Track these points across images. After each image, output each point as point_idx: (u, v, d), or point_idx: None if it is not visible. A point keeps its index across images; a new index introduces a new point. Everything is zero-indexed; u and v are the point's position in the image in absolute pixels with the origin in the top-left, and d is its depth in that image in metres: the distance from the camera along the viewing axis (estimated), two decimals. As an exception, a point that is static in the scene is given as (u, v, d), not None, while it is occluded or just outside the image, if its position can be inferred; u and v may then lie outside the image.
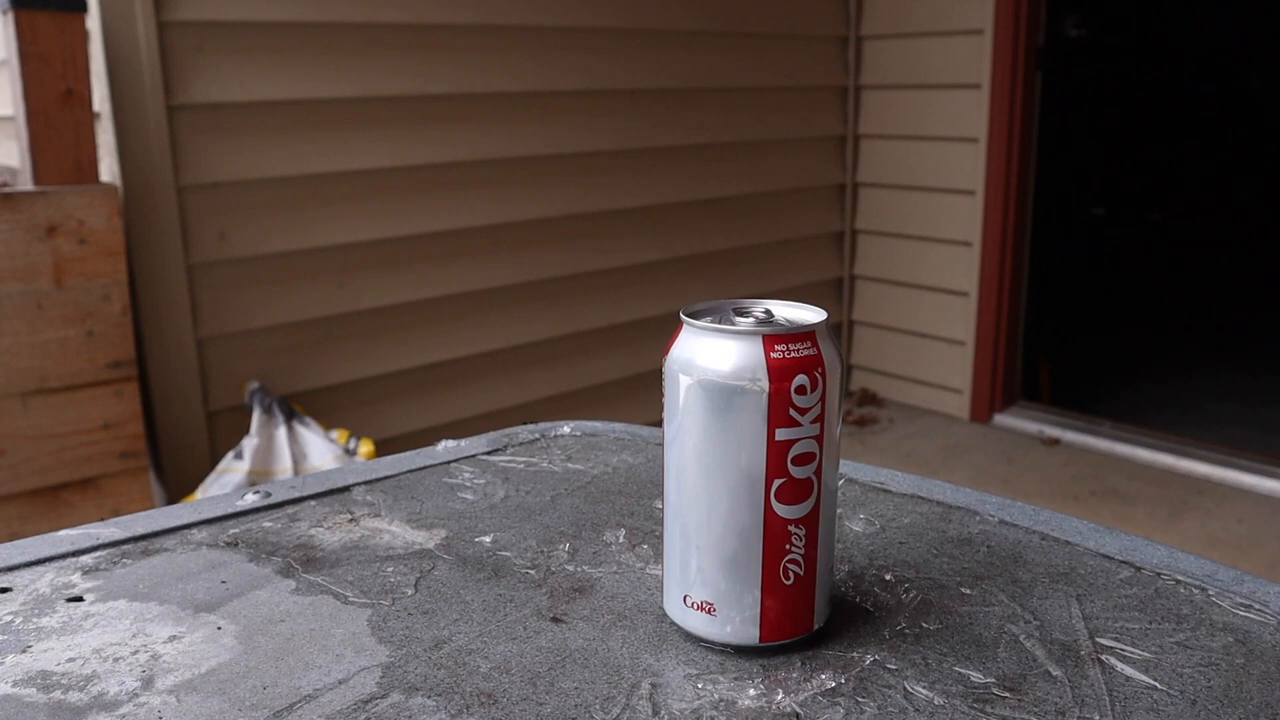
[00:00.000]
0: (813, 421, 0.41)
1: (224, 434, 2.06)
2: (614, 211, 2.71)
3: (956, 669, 0.45)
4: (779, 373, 0.40)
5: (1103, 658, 0.45)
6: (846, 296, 3.37)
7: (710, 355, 0.41)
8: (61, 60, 1.74)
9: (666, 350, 0.43)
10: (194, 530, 0.59)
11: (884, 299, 3.30)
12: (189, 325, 2.01)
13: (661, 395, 0.44)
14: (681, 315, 0.44)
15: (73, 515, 1.80)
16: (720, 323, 0.42)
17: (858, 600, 0.51)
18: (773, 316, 0.44)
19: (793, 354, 0.41)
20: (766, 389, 0.40)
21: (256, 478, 1.86)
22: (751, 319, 0.43)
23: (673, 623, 0.48)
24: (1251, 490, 2.63)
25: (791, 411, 0.41)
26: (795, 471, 0.41)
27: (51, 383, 1.76)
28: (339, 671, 0.44)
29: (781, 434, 0.41)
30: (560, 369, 2.69)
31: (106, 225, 1.77)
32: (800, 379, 0.41)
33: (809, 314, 0.44)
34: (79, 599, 0.51)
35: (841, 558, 0.56)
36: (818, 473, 0.42)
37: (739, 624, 0.45)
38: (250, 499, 0.62)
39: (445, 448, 0.72)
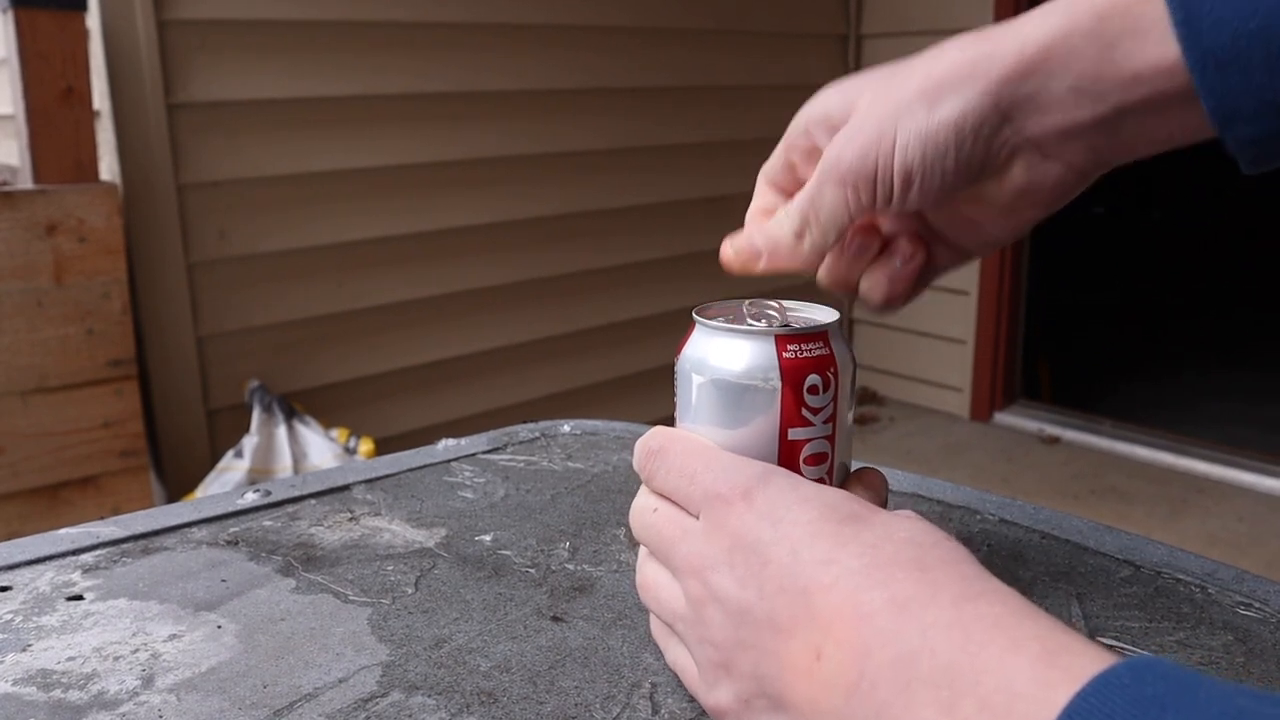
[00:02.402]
0: (825, 421, 0.41)
1: (224, 432, 2.06)
2: (615, 210, 2.70)
3: (956, 668, 0.45)
4: (791, 372, 0.40)
5: (1103, 656, 0.45)
6: (847, 295, 3.37)
7: (722, 355, 0.41)
8: (61, 58, 1.74)
9: (679, 349, 0.43)
10: (194, 529, 0.59)
11: (884, 298, 3.30)
12: (189, 324, 2.01)
13: (674, 394, 0.44)
14: (694, 315, 0.43)
15: (72, 514, 1.80)
16: (733, 322, 0.42)
17: (858, 599, 0.51)
18: (785, 315, 0.44)
19: (805, 354, 0.41)
20: (779, 388, 0.40)
21: (256, 476, 1.86)
22: (764, 318, 0.43)
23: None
24: (1251, 488, 2.63)
25: (804, 411, 0.41)
26: (808, 471, 0.41)
27: (51, 381, 1.76)
28: (339, 670, 0.44)
29: (794, 434, 0.41)
30: (560, 367, 2.69)
31: (106, 223, 1.77)
32: (813, 379, 0.41)
33: (822, 313, 0.44)
34: (79, 597, 0.51)
35: (841, 556, 0.56)
36: (830, 473, 0.42)
37: None
38: (250, 497, 0.62)
39: (445, 446, 0.72)
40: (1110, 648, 0.46)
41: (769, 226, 0.46)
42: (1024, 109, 0.41)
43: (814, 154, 0.46)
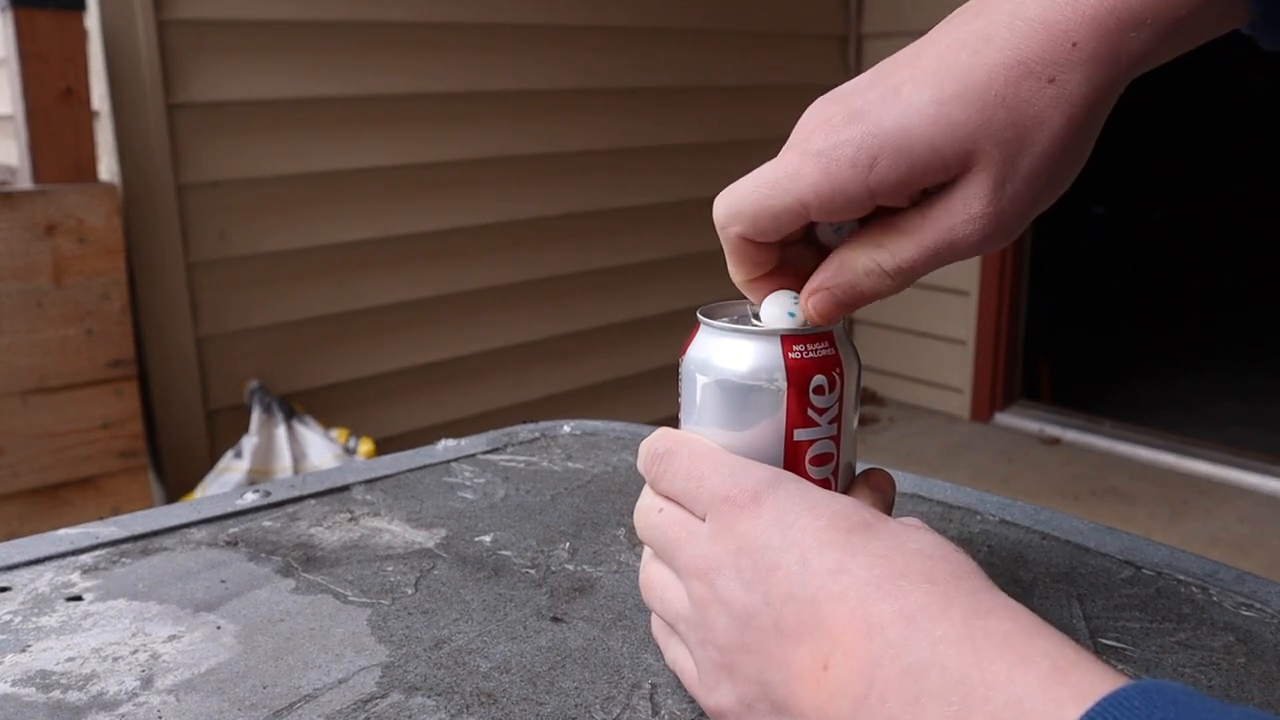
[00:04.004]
0: (830, 422, 0.41)
1: (223, 433, 2.06)
2: (614, 210, 2.70)
3: (957, 669, 0.45)
4: (797, 373, 0.40)
5: (1104, 658, 0.45)
6: (847, 296, 3.36)
7: (727, 355, 0.41)
8: (61, 59, 1.74)
9: (683, 350, 0.43)
10: (193, 529, 0.59)
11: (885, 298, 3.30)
12: (189, 324, 2.01)
13: (678, 395, 0.44)
14: (698, 315, 0.43)
15: (72, 514, 1.80)
16: (738, 322, 0.42)
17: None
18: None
19: (811, 354, 0.41)
20: (784, 389, 0.40)
21: (256, 476, 1.86)
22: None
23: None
24: (1253, 490, 2.63)
25: (809, 412, 0.41)
26: (813, 472, 0.41)
27: (51, 381, 1.76)
28: (339, 671, 0.44)
29: (800, 434, 0.41)
30: (560, 368, 2.69)
31: (106, 224, 1.77)
32: (818, 379, 0.41)
33: None
34: (78, 598, 0.51)
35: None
36: (835, 473, 0.42)
37: None
38: (250, 498, 0.62)
39: (445, 447, 0.72)
40: (1111, 648, 0.46)
41: (860, 285, 0.40)
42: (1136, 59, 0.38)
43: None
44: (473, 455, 0.71)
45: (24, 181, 1.78)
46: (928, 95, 0.37)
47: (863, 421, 3.16)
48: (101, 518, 0.60)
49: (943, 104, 0.37)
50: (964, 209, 0.38)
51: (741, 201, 0.40)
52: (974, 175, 0.37)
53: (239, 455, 1.89)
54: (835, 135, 0.38)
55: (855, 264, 0.40)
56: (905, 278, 0.40)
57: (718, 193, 0.42)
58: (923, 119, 0.37)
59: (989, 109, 0.37)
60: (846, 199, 0.38)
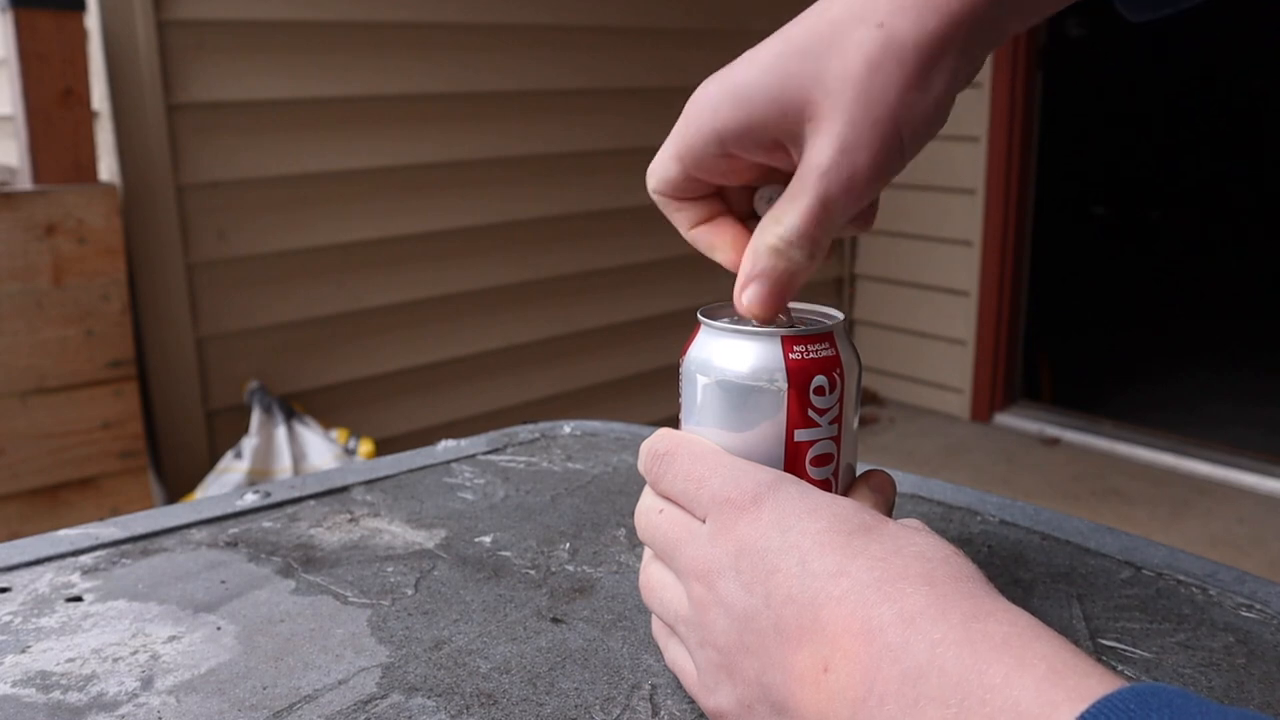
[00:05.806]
0: (831, 423, 0.41)
1: (223, 433, 2.06)
2: (615, 210, 2.70)
3: (957, 669, 0.45)
4: (797, 373, 0.40)
5: (1104, 658, 0.45)
6: (847, 296, 3.37)
7: (728, 356, 0.41)
8: (61, 59, 1.74)
9: (684, 350, 0.43)
10: (193, 530, 0.59)
11: (885, 298, 3.30)
12: (188, 324, 2.01)
13: (678, 396, 0.44)
14: (699, 315, 0.43)
15: (72, 515, 1.80)
16: (738, 323, 0.42)
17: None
18: (790, 316, 0.44)
19: (811, 355, 0.41)
20: (785, 389, 0.40)
21: (256, 477, 1.86)
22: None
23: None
24: (1252, 490, 2.63)
25: (810, 412, 0.41)
26: (813, 473, 0.41)
27: (51, 382, 1.76)
28: (339, 672, 0.44)
29: (800, 435, 0.41)
30: (561, 368, 2.69)
31: (106, 224, 1.77)
32: (819, 380, 0.41)
33: (827, 314, 0.44)
34: (78, 599, 0.51)
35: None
36: (835, 474, 0.42)
37: None
38: (250, 499, 0.62)
39: (445, 447, 0.72)
40: (1111, 649, 0.46)
41: (775, 265, 0.41)
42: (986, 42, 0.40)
43: (738, 169, 0.43)
44: (473, 456, 0.71)
45: (24, 182, 1.78)
46: (775, 50, 0.40)
47: (863, 422, 3.15)
48: (101, 518, 0.60)
49: (783, 57, 0.39)
50: (816, 161, 0.39)
51: (650, 169, 0.45)
52: (818, 126, 0.39)
53: (239, 456, 1.89)
54: (699, 92, 0.42)
55: (761, 245, 0.41)
56: (807, 247, 0.40)
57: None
58: (762, 70, 0.39)
59: (823, 58, 0.38)
60: (703, 144, 0.41)
